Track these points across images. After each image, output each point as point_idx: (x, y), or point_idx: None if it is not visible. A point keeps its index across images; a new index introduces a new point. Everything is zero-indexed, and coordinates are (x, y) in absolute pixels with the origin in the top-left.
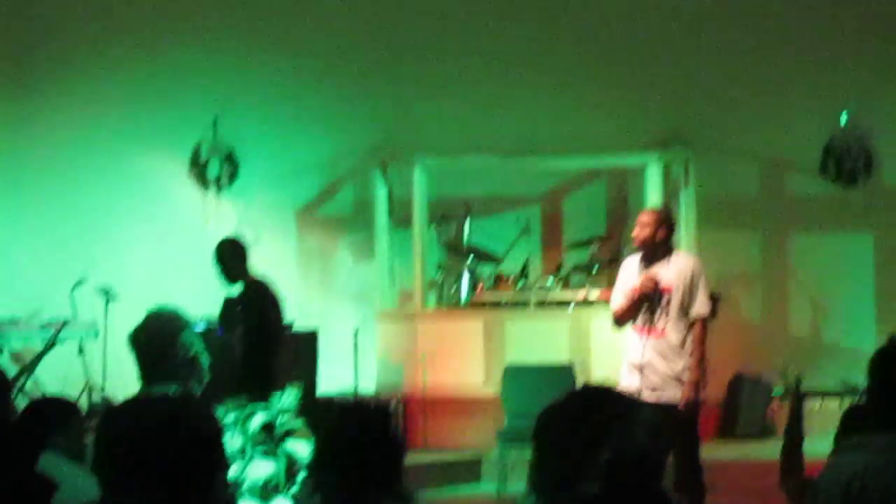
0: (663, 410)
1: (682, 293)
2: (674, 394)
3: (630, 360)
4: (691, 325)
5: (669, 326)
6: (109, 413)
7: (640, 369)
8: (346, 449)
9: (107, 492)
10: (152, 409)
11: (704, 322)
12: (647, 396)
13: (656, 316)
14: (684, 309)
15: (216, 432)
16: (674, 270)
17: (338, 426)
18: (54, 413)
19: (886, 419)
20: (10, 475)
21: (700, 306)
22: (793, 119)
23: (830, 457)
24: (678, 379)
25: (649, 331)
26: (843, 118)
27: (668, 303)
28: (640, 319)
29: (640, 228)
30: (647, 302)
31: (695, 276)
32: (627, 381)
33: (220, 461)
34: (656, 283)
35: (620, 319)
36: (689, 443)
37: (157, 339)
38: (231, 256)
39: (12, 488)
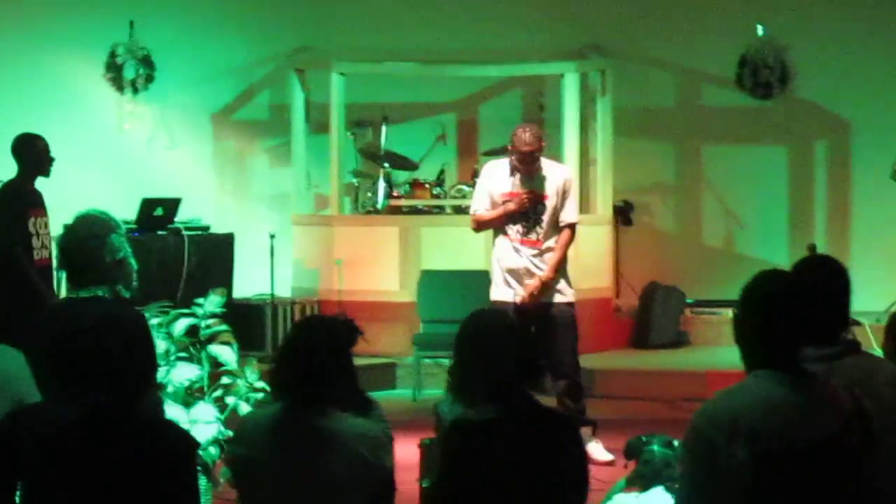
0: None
1: (556, 202)
2: (549, 297)
3: (507, 268)
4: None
5: (545, 235)
6: (42, 317)
7: (519, 278)
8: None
9: (46, 394)
10: (86, 312)
11: (573, 229)
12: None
13: (532, 226)
14: (556, 217)
15: (148, 334)
16: (548, 180)
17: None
18: None
19: None
20: None
21: (570, 214)
22: (710, 30)
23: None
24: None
25: (526, 241)
26: (760, 30)
27: (544, 213)
28: (515, 231)
29: (535, 143)
30: (524, 215)
31: (567, 185)
32: (503, 291)
33: (153, 362)
34: (538, 197)
35: (483, 226)
36: (567, 344)
37: (85, 242)
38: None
39: None
